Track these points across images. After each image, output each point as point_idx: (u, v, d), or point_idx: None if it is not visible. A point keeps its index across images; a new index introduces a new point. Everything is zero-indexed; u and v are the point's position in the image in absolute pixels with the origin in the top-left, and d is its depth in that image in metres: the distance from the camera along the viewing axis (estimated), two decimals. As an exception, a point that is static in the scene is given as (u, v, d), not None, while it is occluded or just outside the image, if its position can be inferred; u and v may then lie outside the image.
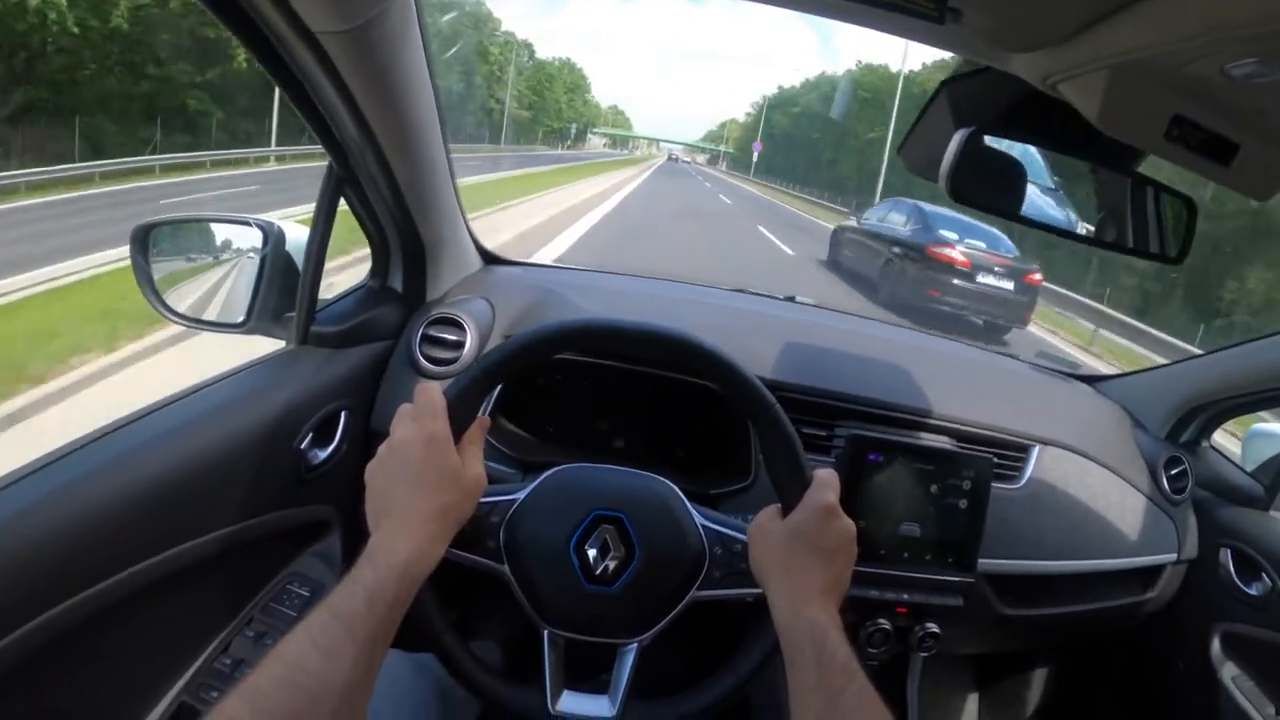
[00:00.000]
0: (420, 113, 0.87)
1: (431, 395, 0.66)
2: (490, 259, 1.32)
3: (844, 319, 1.52)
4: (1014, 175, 0.76)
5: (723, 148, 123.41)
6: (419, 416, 0.65)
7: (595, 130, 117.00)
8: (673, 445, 1.13)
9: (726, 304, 1.39)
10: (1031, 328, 10.05)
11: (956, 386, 1.18)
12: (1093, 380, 1.44)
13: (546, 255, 8.38)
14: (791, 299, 1.51)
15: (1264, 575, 1.17)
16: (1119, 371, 1.47)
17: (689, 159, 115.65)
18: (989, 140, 0.73)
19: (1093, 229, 0.82)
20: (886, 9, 0.54)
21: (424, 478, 0.63)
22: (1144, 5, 0.50)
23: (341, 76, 0.73)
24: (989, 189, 0.75)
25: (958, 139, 0.72)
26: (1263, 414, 1.36)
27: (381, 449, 0.65)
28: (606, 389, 1.12)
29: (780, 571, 0.66)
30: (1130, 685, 1.39)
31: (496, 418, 1.04)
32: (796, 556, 0.65)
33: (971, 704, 1.58)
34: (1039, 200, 0.76)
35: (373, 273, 1.10)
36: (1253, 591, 1.18)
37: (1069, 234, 0.81)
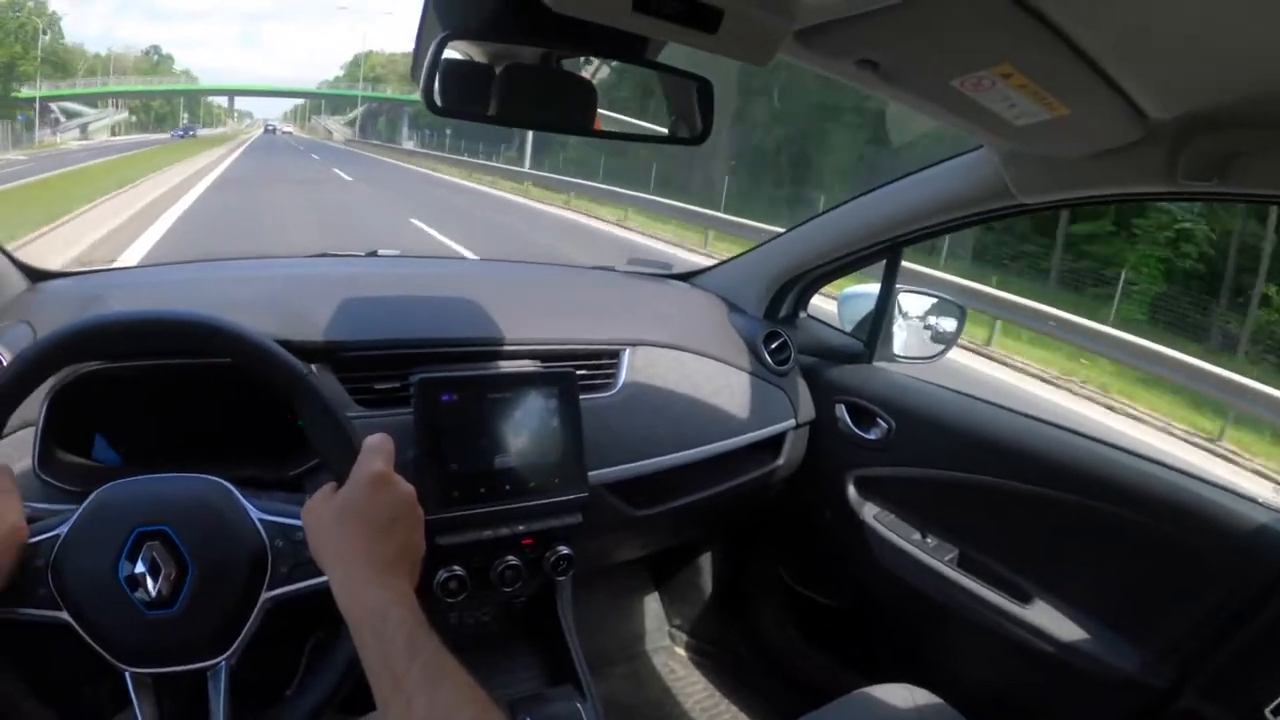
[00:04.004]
0: None
1: None
2: (38, 275, 1.15)
3: (427, 263, 1.50)
4: (489, 81, 0.69)
5: (367, 91, 77.66)
6: None
7: (66, 95, 48.59)
8: (245, 435, 1.02)
9: (300, 272, 1.29)
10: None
11: (539, 308, 1.18)
12: (689, 276, 1.51)
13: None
14: (374, 254, 1.44)
15: (878, 420, 1.30)
16: (716, 263, 1.54)
17: (291, 129, 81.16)
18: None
19: (605, 125, 0.79)
20: None
21: None
22: None
23: None
24: (469, 98, 0.68)
25: (431, 49, 0.64)
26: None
27: None
28: (165, 392, 0.99)
29: (333, 554, 0.62)
30: (792, 545, 1.53)
31: (52, 450, 0.91)
32: (349, 535, 0.61)
33: (654, 603, 1.67)
34: (538, 104, 0.68)
35: None
36: (871, 437, 1.31)
37: (577, 130, 0.78)
